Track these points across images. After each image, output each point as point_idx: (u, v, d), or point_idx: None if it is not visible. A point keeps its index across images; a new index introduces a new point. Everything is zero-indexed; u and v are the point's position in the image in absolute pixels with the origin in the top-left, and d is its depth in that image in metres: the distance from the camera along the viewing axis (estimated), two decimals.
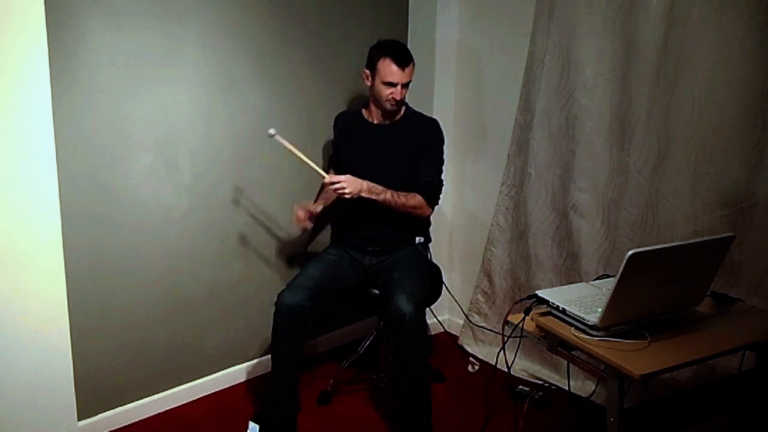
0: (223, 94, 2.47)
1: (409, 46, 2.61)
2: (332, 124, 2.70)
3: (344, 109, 2.81)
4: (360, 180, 2.35)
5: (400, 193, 2.44)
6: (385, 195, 2.40)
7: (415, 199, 2.47)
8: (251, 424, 2.35)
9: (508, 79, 2.80)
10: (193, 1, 2.32)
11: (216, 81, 2.44)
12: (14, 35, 1.77)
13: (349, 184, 2.31)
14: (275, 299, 2.32)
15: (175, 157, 2.39)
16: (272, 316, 2.32)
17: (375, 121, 2.54)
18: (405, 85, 2.42)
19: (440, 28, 2.96)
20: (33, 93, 1.84)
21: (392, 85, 2.40)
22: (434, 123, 2.57)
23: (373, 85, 2.45)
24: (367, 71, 2.46)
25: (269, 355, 2.38)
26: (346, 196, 2.31)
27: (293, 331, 2.31)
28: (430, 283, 2.53)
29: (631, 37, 2.29)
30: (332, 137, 2.73)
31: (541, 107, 2.60)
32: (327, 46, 2.75)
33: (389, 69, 2.38)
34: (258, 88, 2.57)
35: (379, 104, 2.48)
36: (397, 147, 2.51)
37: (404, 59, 2.40)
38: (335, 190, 2.31)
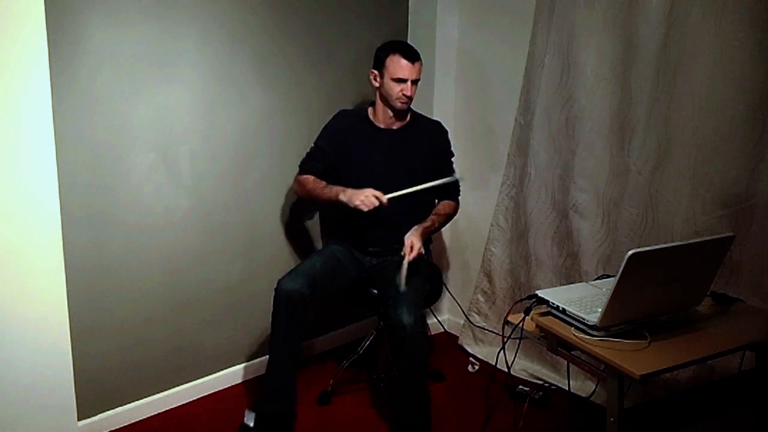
0: (223, 94, 2.47)
1: None
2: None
3: (344, 108, 2.79)
4: (416, 230, 2.39)
5: (436, 210, 2.55)
6: (433, 224, 2.50)
7: (449, 206, 2.61)
8: (248, 413, 2.35)
9: (508, 79, 2.79)
10: (193, 0, 2.32)
11: (216, 80, 2.44)
12: (14, 35, 1.78)
13: (417, 240, 2.35)
14: (275, 286, 2.31)
15: (175, 157, 2.39)
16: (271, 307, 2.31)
17: (382, 125, 2.52)
18: (414, 82, 2.41)
19: (440, 28, 2.95)
20: (33, 93, 1.84)
21: (402, 81, 2.38)
22: (439, 125, 2.61)
23: (381, 85, 2.43)
24: (375, 71, 2.45)
25: (269, 355, 2.38)
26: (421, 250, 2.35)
27: (292, 318, 2.29)
28: (430, 285, 2.53)
29: (631, 37, 2.29)
30: (328, 131, 2.57)
31: (541, 107, 2.60)
32: (327, 46, 2.75)
33: (399, 64, 2.37)
34: (258, 88, 2.56)
35: (388, 104, 2.45)
36: (406, 153, 2.50)
37: (413, 54, 2.40)
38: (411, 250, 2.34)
